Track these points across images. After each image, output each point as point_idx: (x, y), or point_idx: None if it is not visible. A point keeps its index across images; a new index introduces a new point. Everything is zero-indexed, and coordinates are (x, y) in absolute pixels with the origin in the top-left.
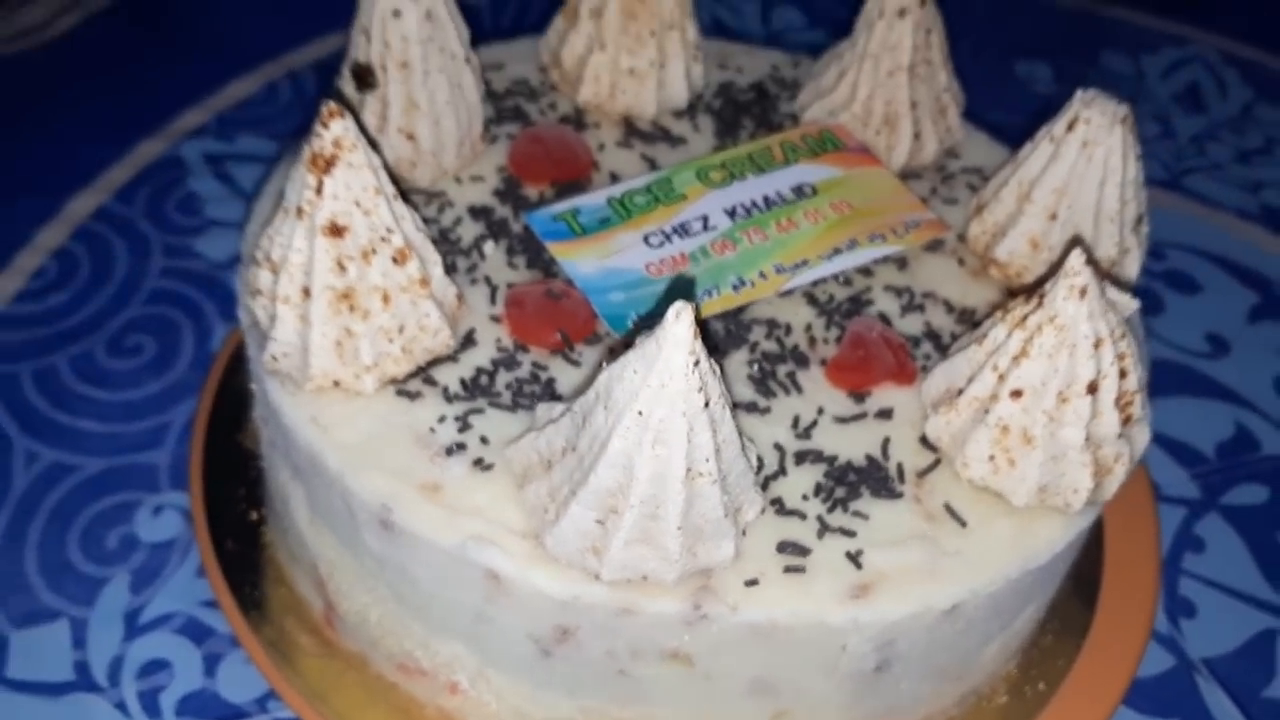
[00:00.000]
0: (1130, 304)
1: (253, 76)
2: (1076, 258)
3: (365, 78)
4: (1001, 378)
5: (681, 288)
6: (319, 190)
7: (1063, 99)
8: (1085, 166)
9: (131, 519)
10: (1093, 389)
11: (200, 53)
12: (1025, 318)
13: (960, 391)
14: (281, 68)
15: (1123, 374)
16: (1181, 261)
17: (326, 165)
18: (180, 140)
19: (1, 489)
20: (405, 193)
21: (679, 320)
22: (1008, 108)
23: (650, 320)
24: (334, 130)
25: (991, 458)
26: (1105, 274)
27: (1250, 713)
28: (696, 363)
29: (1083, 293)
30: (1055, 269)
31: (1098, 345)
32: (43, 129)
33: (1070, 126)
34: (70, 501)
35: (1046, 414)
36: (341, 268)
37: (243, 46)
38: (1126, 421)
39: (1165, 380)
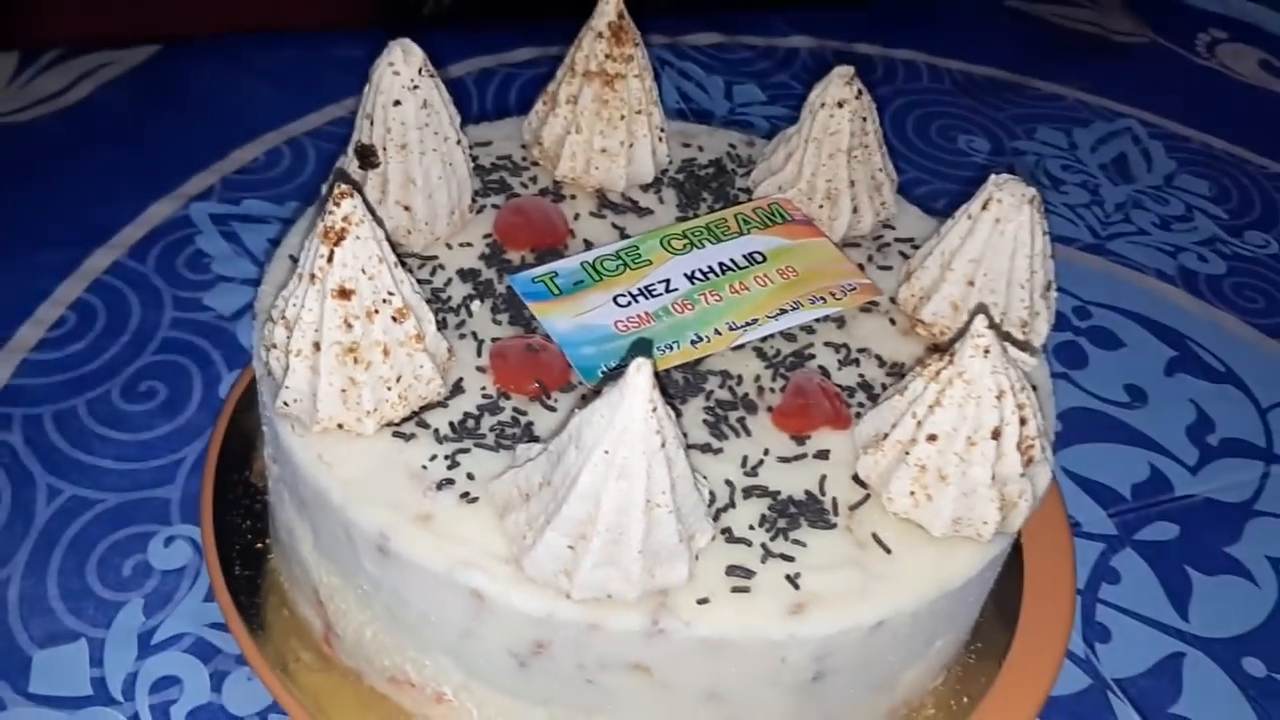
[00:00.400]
0: (1030, 361)
1: (255, 144)
2: (980, 322)
3: (369, 157)
4: (919, 424)
5: (642, 346)
6: (330, 259)
7: (1000, 170)
8: (998, 240)
9: (145, 548)
10: (996, 434)
11: (207, 121)
12: (939, 372)
13: (886, 435)
14: (282, 136)
15: (1023, 421)
16: (1105, 319)
17: (338, 238)
18: (189, 202)
19: (25, 521)
20: (402, 257)
21: (639, 373)
22: (949, 178)
23: (616, 373)
24: (344, 208)
25: (912, 493)
26: (1007, 335)
27: None
28: (654, 409)
29: (986, 351)
30: (965, 332)
31: (1000, 396)
32: (61, 190)
33: (985, 205)
34: (89, 533)
35: (957, 455)
36: (348, 325)
37: (246, 116)
38: (1028, 463)
39: (1087, 428)
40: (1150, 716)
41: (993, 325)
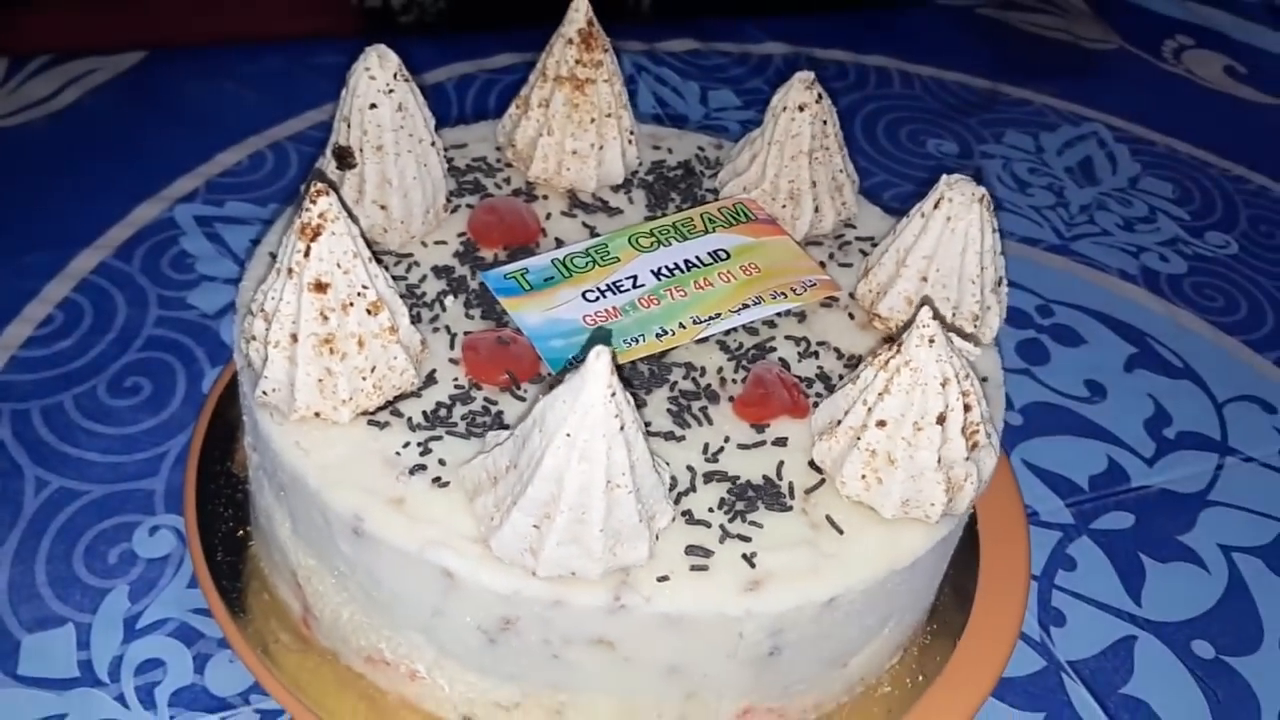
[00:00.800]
0: (974, 351)
1: (239, 147)
2: (925, 313)
3: (346, 158)
4: (870, 410)
5: (601, 336)
6: (307, 254)
7: (968, 173)
8: (949, 237)
9: (130, 537)
10: (941, 420)
11: (192, 126)
12: (888, 361)
13: (839, 422)
14: (265, 140)
15: (967, 407)
16: (1068, 317)
17: (314, 234)
18: (174, 204)
19: (14, 511)
20: (378, 254)
21: (599, 359)
22: (918, 181)
23: (578, 360)
24: (320, 205)
25: (863, 477)
26: (952, 326)
27: (1108, 707)
28: (613, 394)
29: (931, 340)
30: (911, 323)
31: (945, 384)
32: (49, 193)
33: (937, 204)
34: (76, 522)
35: (905, 440)
36: (324, 318)
37: (230, 121)
38: (974, 447)
39: (1047, 421)
40: (1102, 696)
41: (937, 316)
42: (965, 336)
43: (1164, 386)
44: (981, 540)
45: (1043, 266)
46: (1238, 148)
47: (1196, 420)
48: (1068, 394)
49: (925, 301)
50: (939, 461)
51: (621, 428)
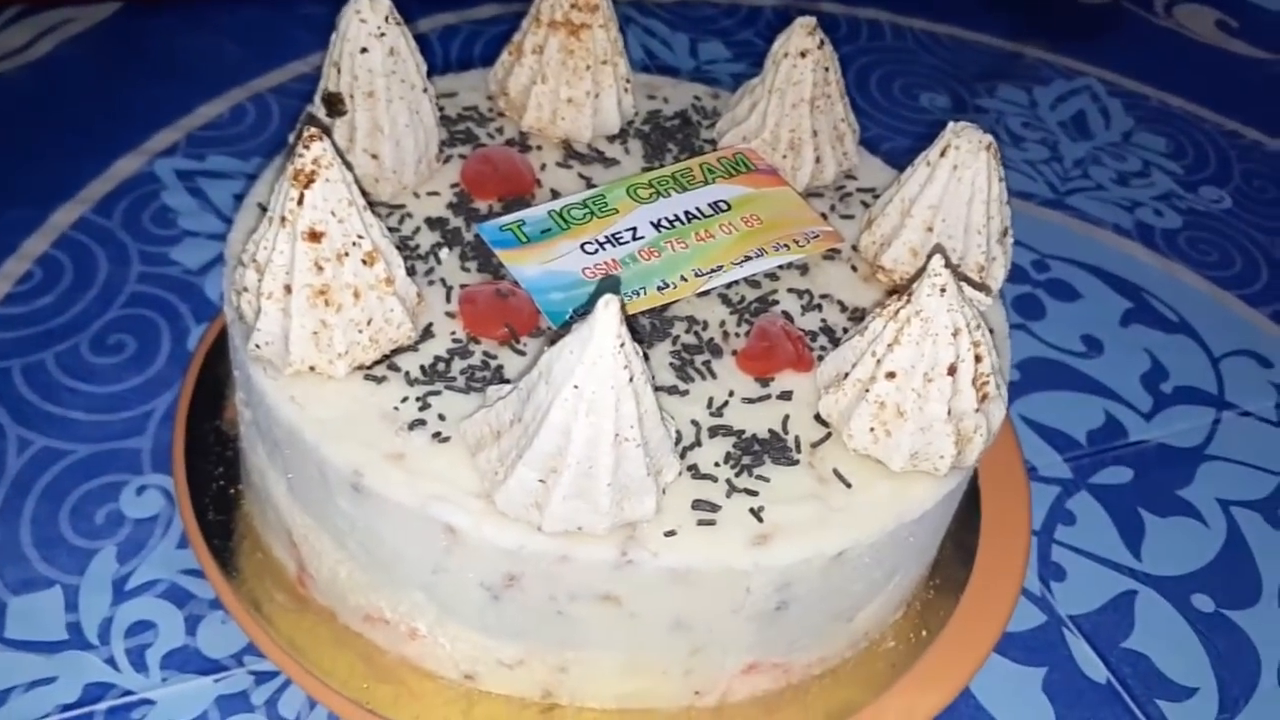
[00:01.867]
0: (985, 300)
1: (220, 100)
2: (937, 261)
3: (336, 105)
4: (879, 362)
5: (609, 285)
6: (300, 201)
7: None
8: (956, 186)
9: (117, 498)
10: (952, 370)
11: (171, 78)
12: (897, 311)
13: (846, 375)
14: (246, 92)
15: (978, 358)
16: (1063, 272)
17: (307, 180)
18: (154, 158)
19: None
20: (370, 205)
21: (607, 309)
22: (911, 135)
23: (584, 311)
24: (314, 151)
25: (872, 430)
26: (963, 276)
27: (1109, 661)
28: (622, 344)
29: (943, 290)
30: (922, 272)
31: (956, 334)
32: (24, 146)
33: (943, 152)
34: (60, 482)
35: (915, 392)
36: (319, 268)
37: (210, 73)
38: (983, 399)
39: (1044, 376)
40: (1103, 650)
41: (949, 265)
42: (976, 286)
43: (1160, 341)
44: (983, 495)
45: (1037, 221)
46: (1231, 102)
47: (1193, 375)
48: (1064, 349)
49: (937, 250)
50: (949, 413)
51: (630, 379)
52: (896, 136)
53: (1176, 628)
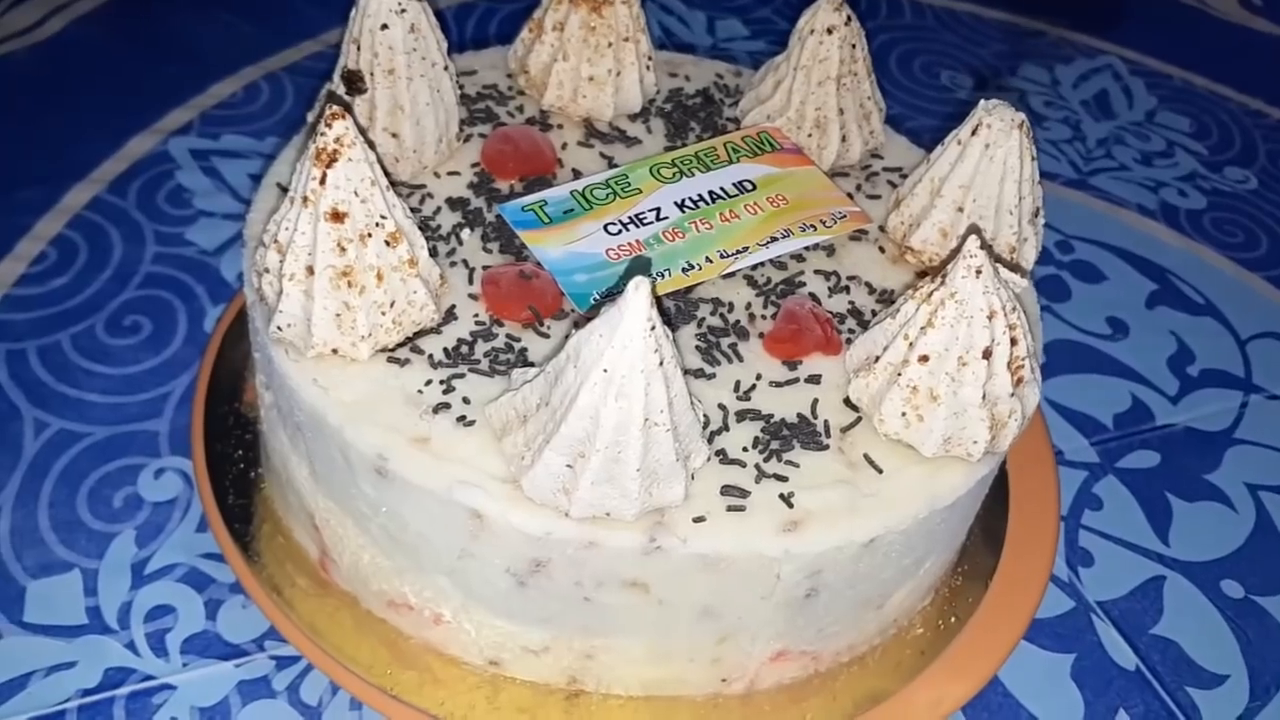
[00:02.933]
0: (1020, 283)
1: (233, 79)
2: (973, 242)
3: (355, 83)
4: (911, 345)
5: (640, 266)
6: (322, 181)
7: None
8: (987, 166)
9: (135, 481)
10: (987, 354)
11: (183, 56)
12: (931, 294)
13: (877, 358)
14: (260, 71)
15: (1013, 341)
16: (1088, 254)
17: (330, 160)
18: (168, 137)
19: (13, 454)
20: (391, 185)
21: (638, 291)
22: (933, 114)
23: (613, 293)
24: (336, 129)
25: (903, 414)
26: (998, 257)
27: (1138, 648)
28: (653, 327)
29: (978, 271)
30: (956, 253)
31: (991, 317)
32: (36, 126)
33: (974, 131)
34: (78, 465)
35: (949, 375)
36: (341, 249)
37: (222, 51)
38: (1018, 383)
39: (1070, 359)
40: (1132, 637)
41: (985, 246)
42: (1010, 267)
43: (1186, 323)
44: (1011, 480)
45: (1061, 201)
46: (1255, 81)
47: (1219, 357)
48: (1090, 331)
49: (973, 230)
50: (983, 398)
51: (660, 363)
52: (918, 115)
53: (1206, 614)
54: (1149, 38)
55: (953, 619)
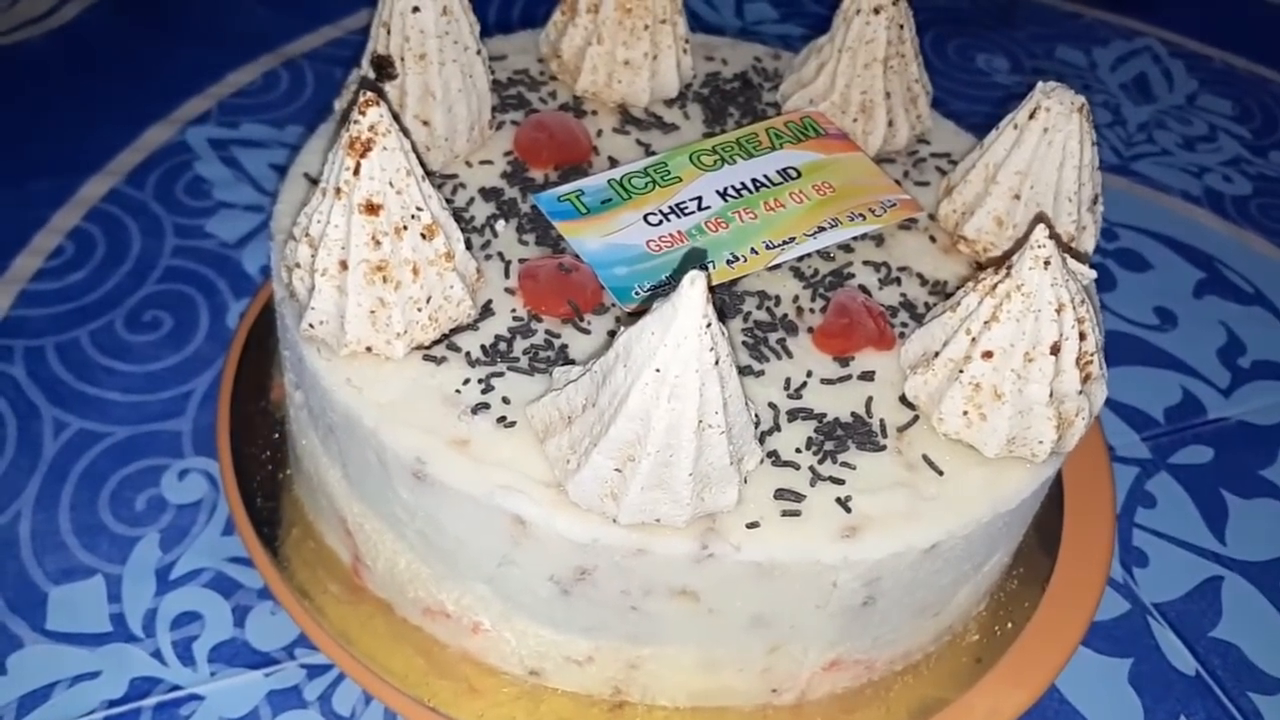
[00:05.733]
0: (1088, 274)
1: (251, 66)
2: (1041, 232)
3: (385, 68)
4: (974, 340)
5: (695, 257)
6: (356, 171)
7: (1019, 89)
8: (1046, 151)
9: (158, 482)
10: (1055, 350)
11: (199, 43)
12: (995, 286)
13: (936, 354)
14: (278, 58)
15: (1082, 336)
16: (1132, 241)
17: (364, 149)
18: (185, 126)
19: (33, 455)
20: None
21: (693, 286)
22: (969, 98)
23: (665, 288)
24: (370, 117)
25: (965, 413)
26: (1065, 246)
27: (1197, 651)
28: (708, 324)
29: (1047, 263)
30: (1021, 243)
31: (1060, 310)
32: (50, 115)
33: (1032, 115)
34: (99, 466)
35: (1015, 372)
36: (376, 242)
37: (240, 38)
38: (1086, 379)
39: (1117, 351)
40: (1190, 640)
41: (1053, 235)
42: (1077, 257)
43: (1236, 313)
44: (1065, 476)
45: (1103, 187)
46: None
47: (1271, 348)
48: (1138, 322)
49: (1040, 219)
50: (1050, 395)
51: (716, 362)
52: (954, 100)
53: (1267, 616)
54: (1187, 19)
55: (1009, 624)
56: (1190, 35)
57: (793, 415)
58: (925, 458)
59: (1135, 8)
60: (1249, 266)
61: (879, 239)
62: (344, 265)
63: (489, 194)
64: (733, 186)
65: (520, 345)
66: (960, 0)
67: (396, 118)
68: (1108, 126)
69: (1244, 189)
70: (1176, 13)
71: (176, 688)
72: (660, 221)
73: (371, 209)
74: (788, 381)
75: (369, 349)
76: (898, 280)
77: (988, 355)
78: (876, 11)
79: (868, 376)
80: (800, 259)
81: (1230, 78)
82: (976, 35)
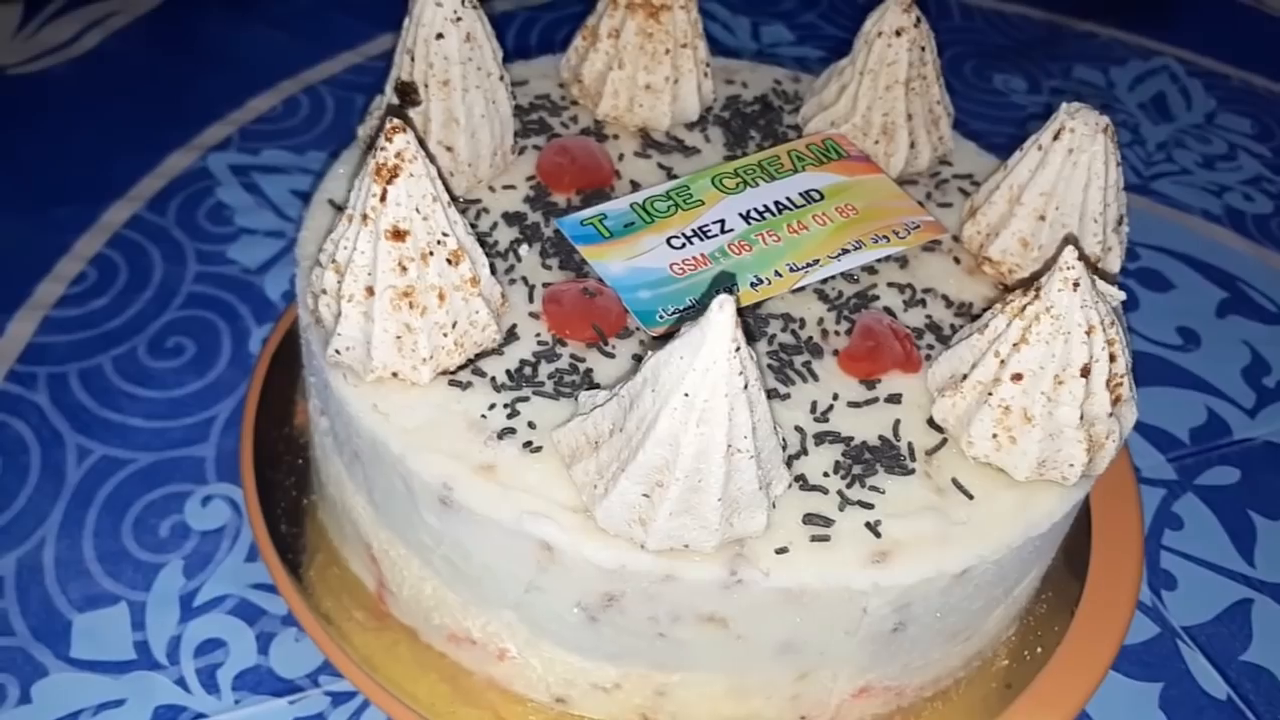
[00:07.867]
0: (1117, 295)
1: (271, 93)
2: (1070, 253)
3: (409, 95)
4: (1003, 363)
5: (723, 280)
6: (383, 198)
7: (1037, 109)
8: (1071, 171)
9: (182, 509)
10: (1086, 372)
11: (220, 71)
12: (1024, 308)
13: (965, 376)
14: (299, 84)
15: (1112, 358)
16: (1154, 261)
17: (390, 175)
18: (206, 153)
19: (56, 482)
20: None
21: (722, 310)
22: (989, 118)
23: (692, 311)
24: (397, 144)
25: (994, 436)
26: (1093, 268)
27: (1228, 675)
28: (737, 349)
29: (1076, 285)
30: (1049, 265)
31: (1090, 332)
32: (71, 142)
33: (1057, 135)
34: (122, 493)
35: (1045, 395)
36: (403, 268)
37: (260, 65)
38: (1116, 401)
39: (1141, 371)
40: (1221, 664)
41: (1082, 257)
42: (1105, 278)
43: (1260, 333)
44: (1092, 499)
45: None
46: None
47: None
48: (1161, 342)
49: (1069, 240)
50: (1081, 418)
51: (745, 386)
52: (973, 121)
53: None
54: (1204, 38)
55: (1038, 649)
56: (1208, 54)
57: (820, 439)
58: (954, 481)
59: (1148, 24)
60: (1272, 285)
61: (903, 261)
62: (370, 291)
63: (512, 219)
64: (755, 209)
65: (545, 370)
66: (994, 33)
67: (422, 144)
68: (1127, 146)
69: (1265, 208)
70: (1193, 32)
71: (201, 716)
72: (683, 245)
73: (398, 235)
74: (814, 405)
75: (395, 374)
76: (922, 302)
77: (1017, 378)
78: (898, 34)
79: (895, 399)
80: (824, 281)
81: (1249, 96)
82: (993, 56)
